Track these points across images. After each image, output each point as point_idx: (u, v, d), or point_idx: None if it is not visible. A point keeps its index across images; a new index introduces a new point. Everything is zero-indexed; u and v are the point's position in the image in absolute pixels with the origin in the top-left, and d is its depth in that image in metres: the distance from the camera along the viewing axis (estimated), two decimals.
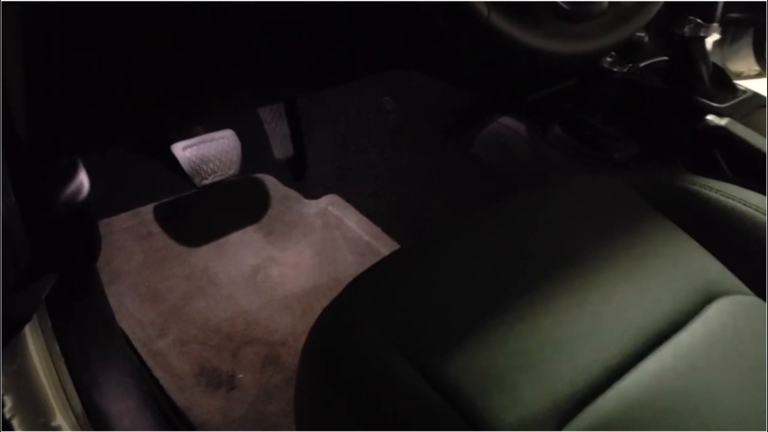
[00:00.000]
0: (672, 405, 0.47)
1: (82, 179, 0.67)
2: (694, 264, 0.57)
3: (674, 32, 0.73)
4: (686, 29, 0.72)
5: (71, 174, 0.66)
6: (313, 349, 0.54)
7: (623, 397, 0.47)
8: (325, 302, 0.55)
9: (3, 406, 0.61)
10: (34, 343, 0.64)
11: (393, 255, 0.60)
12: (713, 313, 0.53)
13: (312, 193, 1.25)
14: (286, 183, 1.26)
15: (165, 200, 1.16)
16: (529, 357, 0.47)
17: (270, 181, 1.26)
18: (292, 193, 1.25)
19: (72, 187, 0.65)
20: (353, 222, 1.21)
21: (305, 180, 1.24)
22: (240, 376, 0.92)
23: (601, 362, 0.48)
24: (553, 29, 0.47)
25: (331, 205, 1.24)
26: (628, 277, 0.54)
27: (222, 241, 1.14)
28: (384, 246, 1.16)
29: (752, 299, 0.55)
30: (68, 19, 0.46)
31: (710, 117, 0.73)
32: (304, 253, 1.15)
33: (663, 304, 0.53)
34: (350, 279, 0.56)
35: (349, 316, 0.53)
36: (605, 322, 0.50)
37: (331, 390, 0.51)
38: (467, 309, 0.51)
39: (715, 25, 0.71)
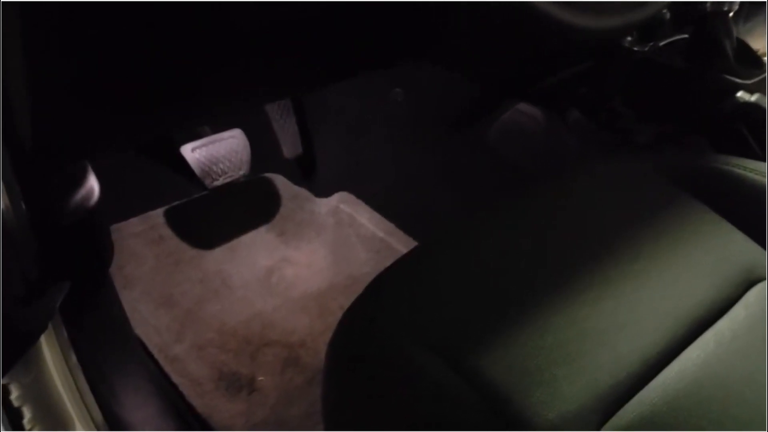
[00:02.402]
0: (717, 393, 0.45)
1: (92, 184, 0.65)
2: (731, 247, 0.55)
3: (696, 8, 0.71)
4: (708, 4, 0.70)
5: (81, 179, 0.65)
6: (338, 349, 0.52)
7: (667, 387, 0.45)
8: (342, 301, 0.54)
9: (22, 417, 0.60)
10: (50, 353, 0.63)
11: (413, 251, 0.58)
12: (754, 297, 0.52)
13: (322, 191, 1.23)
14: (295, 182, 1.24)
15: (175, 204, 1.15)
16: (566, 350, 0.45)
17: (279, 181, 1.24)
18: (303, 192, 1.24)
19: (82, 193, 0.64)
20: (365, 219, 1.19)
21: (315, 178, 1.23)
22: (260, 378, 0.90)
23: (642, 352, 0.46)
24: (585, 4, 0.46)
25: (342, 202, 1.22)
26: (663, 264, 0.52)
27: (234, 242, 1.12)
28: (399, 242, 1.14)
29: None
30: (68, 19, 0.44)
31: (740, 94, 0.71)
32: (317, 252, 1.13)
33: (702, 291, 0.51)
34: (366, 277, 0.54)
35: (373, 315, 0.52)
36: (643, 312, 0.48)
37: (359, 390, 0.50)
38: (496, 303, 0.49)
39: None
